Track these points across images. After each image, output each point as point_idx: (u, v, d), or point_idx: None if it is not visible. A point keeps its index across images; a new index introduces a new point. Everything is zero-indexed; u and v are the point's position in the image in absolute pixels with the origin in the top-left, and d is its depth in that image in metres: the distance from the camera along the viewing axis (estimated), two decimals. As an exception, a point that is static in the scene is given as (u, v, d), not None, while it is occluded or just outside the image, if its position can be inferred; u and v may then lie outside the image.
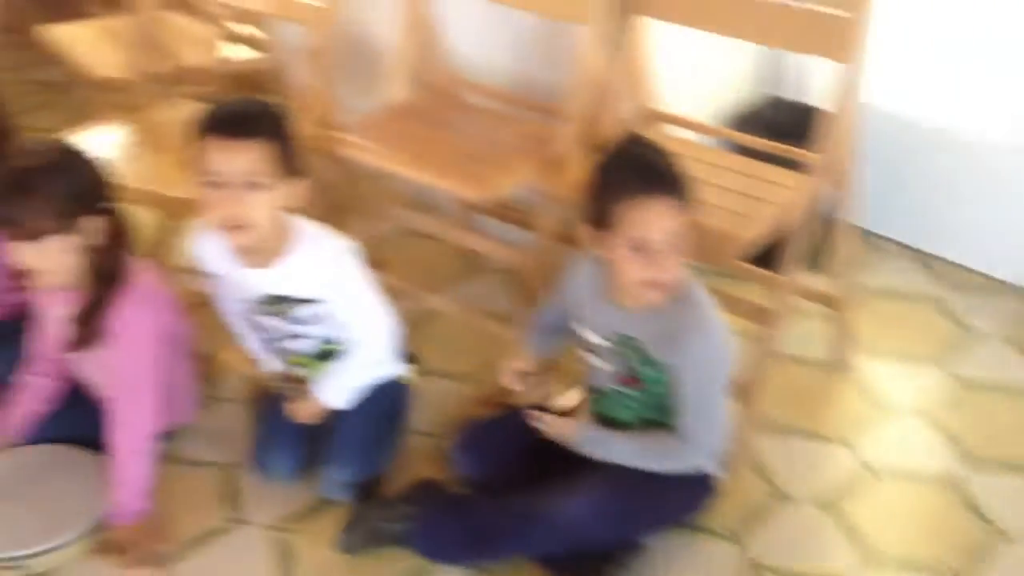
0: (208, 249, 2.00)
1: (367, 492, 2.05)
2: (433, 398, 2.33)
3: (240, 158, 1.78)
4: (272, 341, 2.08)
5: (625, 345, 1.85)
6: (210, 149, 1.79)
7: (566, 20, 2.38)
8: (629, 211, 1.69)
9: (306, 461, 2.11)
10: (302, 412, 2.07)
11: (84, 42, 3.03)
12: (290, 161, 1.85)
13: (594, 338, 1.90)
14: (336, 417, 2.08)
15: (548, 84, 2.58)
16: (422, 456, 2.18)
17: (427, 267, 2.77)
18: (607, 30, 2.27)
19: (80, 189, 1.87)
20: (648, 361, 1.83)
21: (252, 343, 2.14)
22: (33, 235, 1.81)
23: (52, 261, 1.86)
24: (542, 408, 1.96)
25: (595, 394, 1.97)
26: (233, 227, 1.83)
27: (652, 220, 1.69)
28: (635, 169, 1.71)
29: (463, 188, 2.24)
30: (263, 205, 1.82)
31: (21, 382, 2.09)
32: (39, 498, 1.98)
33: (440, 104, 2.59)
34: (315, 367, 2.10)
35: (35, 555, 1.89)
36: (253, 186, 1.79)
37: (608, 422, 1.94)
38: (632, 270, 1.73)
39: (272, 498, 2.07)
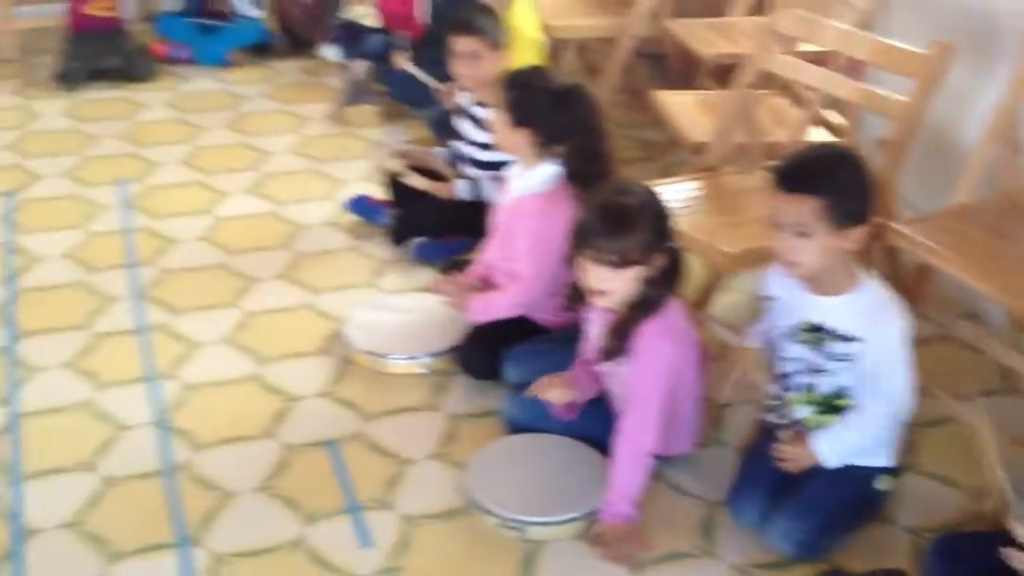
0: (777, 273, 2.19)
1: (808, 556, 2.10)
2: (925, 498, 2.30)
3: (791, 210, 1.99)
4: (793, 374, 2.19)
5: None
6: (773, 195, 2.03)
7: None
8: None
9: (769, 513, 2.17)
10: (793, 456, 2.15)
11: (686, 109, 3.38)
12: (845, 212, 1.98)
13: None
14: (809, 474, 2.15)
15: None
16: (896, 548, 2.17)
17: (954, 372, 2.69)
18: None
19: (661, 228, 2.16)
20: None
21: (775, 374, 2.26)
22: (621, 264, 2.11)
23: (620, 286, 2.15)
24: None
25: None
26: (784, 263, 2.07)
27: None
28: None
29: (1015, 301, 2.18)
30: (809, 250, 2.00)
31: (575, 372, 2.39)
32: (552, 480, 2.27)
33: (1010, 213, 2.52)
34: (819, 416, 2.17)
35: (536, 524, 2.18)
36: (801, 234, 1.99)
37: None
38: None
39: (745, 541, 2.18)
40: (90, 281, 3.11)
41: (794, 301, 2.15)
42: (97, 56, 4.52)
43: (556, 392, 2.33)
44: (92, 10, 4.53)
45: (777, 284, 2.20)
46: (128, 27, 4.70)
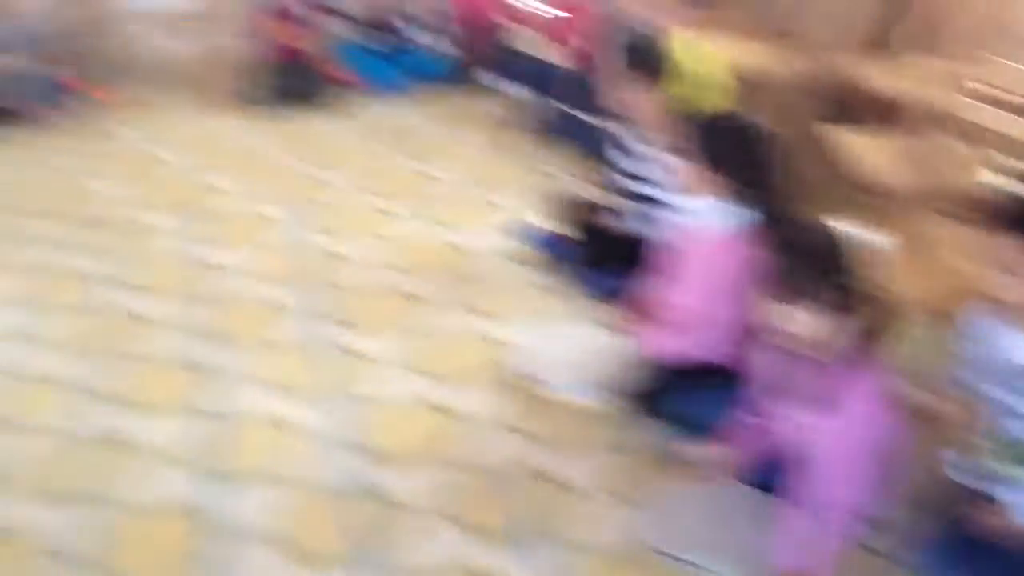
0: (984, 312, 2.11)
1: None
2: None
3: (1010, 249, 1.92)
4: (989, 418, 2.10)
5: None
6: (993, 234, 1.96)
7: None
8: None
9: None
10: (993, 524, 2.06)
11: (864, 150, 3.29)
12: None
13: None
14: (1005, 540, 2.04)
15: None
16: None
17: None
18: None
19: (847, 269, 2.09)
20: None
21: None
22: (807, 303, 2.05)
23: (804, 326, 2.08)
24: None
25: None
26: (997, 301, 2.00)
27: None
28: None
29: None
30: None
31: (740, 424, 2.34)
32: (728, 527, 2.24)
33: None
34: (1012, 467, 2.08)
35: (712, 572, 2.17)
36: (1016, 273, 1.92)
37: None
38: None
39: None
40: (261, 293, 3.24)
41: (1000, 341, 2.07)
42: (281, 81, 4.73)
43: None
44: (280, 37, 4.74)
45: (983, 324, 2.12)
46: (312, 55, 4.91)
